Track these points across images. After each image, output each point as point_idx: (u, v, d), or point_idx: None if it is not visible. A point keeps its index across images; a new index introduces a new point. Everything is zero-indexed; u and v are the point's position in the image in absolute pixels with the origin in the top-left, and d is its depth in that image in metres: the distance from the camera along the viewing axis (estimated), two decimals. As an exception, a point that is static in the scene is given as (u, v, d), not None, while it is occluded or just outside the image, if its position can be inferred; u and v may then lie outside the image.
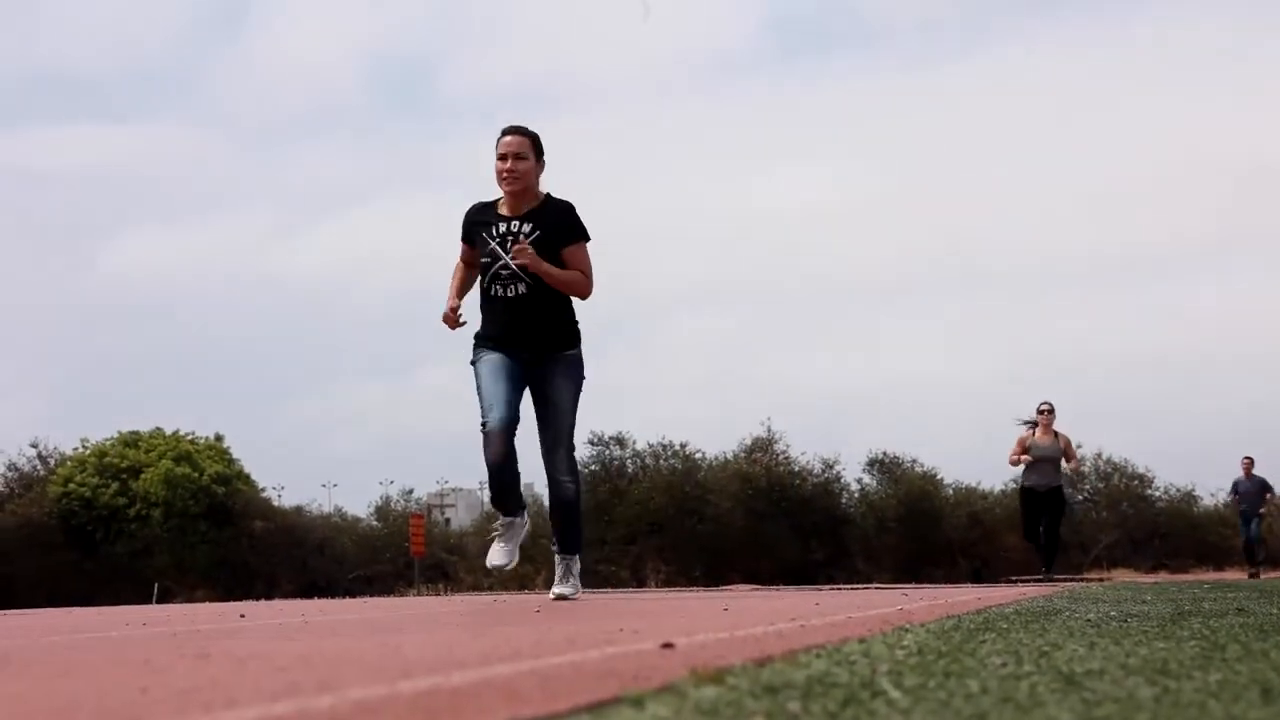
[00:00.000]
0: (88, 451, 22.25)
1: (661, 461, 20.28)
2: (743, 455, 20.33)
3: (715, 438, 40.29)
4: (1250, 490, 18.71)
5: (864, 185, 48.38)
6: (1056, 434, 13.75)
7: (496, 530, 6.06)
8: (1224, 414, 36.76)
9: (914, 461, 20.77)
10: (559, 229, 5.85)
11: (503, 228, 5.86)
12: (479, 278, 5.97)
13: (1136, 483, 21.45)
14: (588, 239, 5.91)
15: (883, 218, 50.34)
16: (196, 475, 21.34)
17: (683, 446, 20.46)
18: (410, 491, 23.59)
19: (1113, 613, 3.92)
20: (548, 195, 5.94)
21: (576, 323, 6.02)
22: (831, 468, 20.58)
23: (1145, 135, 47.83)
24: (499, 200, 5.96)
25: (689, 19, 50.35)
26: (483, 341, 5.94)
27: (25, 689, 1.81)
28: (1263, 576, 16.97)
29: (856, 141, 49.81)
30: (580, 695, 1.56)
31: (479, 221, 5.97)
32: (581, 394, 6.00)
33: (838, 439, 46.81)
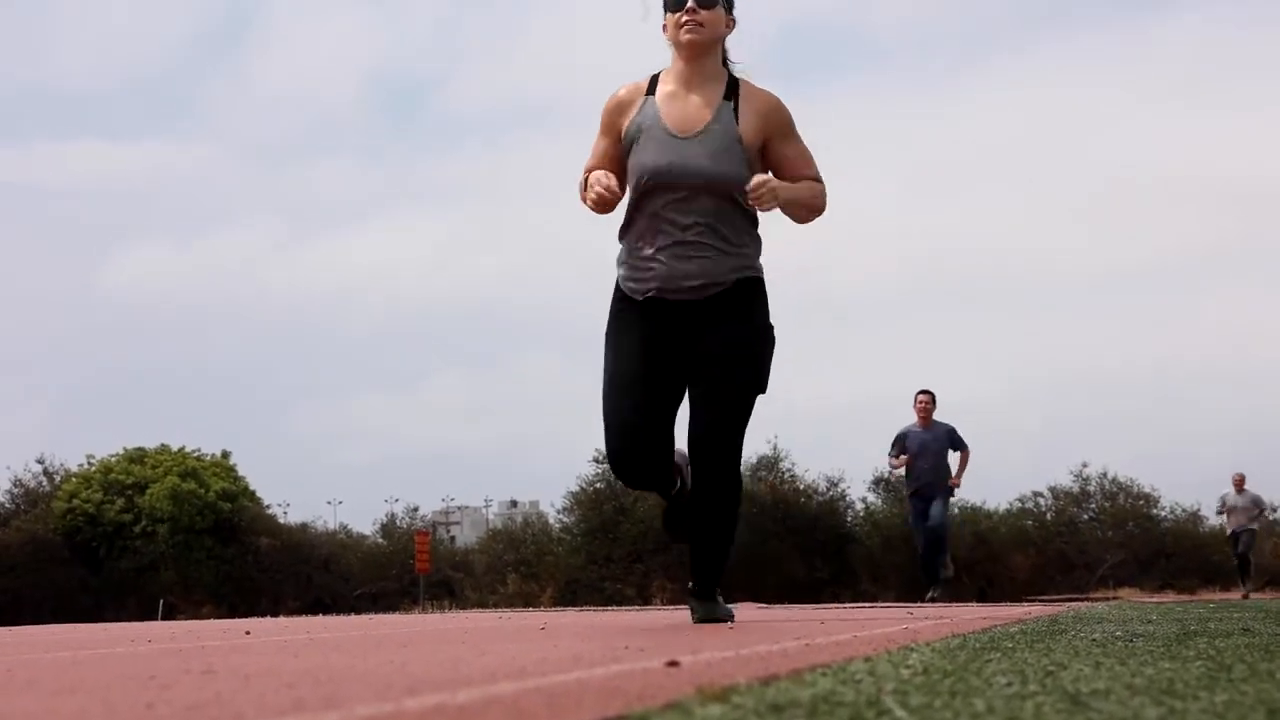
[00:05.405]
0: (93, 468, 22.26)
1: (667, 479, 20.28)
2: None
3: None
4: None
5: (868, 201, 48.42)
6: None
7: None
8: (1227, 433, 36.70)
9: (918, 480, 20.72)
10: None
11: None
12: None
13: (1142, 502, 21.38)
14: None
15: (886, 234, 50.33)
16: (202, 492, 21.33)
17: (688, 465, 20.47)
18: (415, 509, 23.63)
19: (1118, 632, 3.90)
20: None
21: None
22: (836, 486, 20.55)
23: (1145, 149, 47.83)
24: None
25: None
26: None
27: (31, 706, 1.81)
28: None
29: (860, 157, 49.84)
30: (585, 713, 1.56)
31: None
32: None
33: (842, 457, 46.78)
